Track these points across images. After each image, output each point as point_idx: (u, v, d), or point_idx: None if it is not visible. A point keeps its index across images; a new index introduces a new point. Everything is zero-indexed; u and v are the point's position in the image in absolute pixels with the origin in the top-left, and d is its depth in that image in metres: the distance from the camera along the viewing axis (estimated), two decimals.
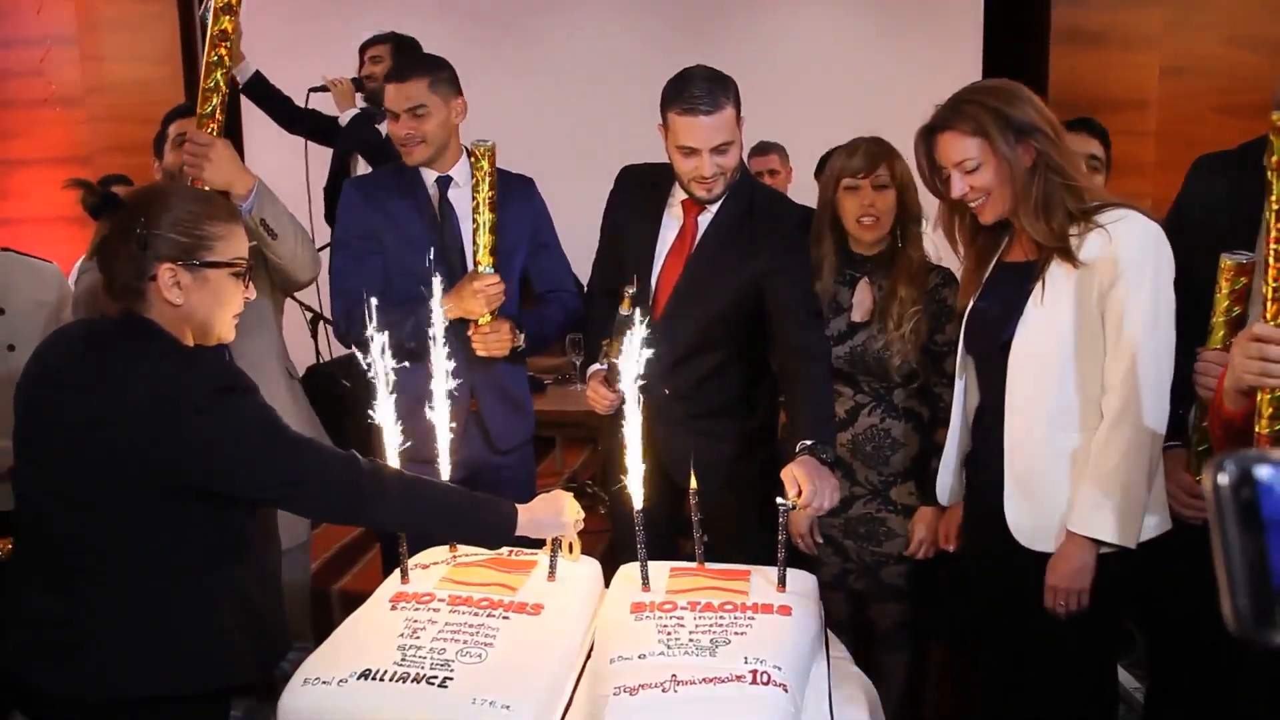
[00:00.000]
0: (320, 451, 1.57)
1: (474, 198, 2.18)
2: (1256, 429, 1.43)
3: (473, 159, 2.16)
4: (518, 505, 1.71)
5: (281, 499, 1.61)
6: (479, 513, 1.69)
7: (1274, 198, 1.33)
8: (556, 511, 1.75)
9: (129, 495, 1.45)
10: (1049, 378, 1.78)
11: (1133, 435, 1.71)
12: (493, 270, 2.21)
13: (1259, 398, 1.41)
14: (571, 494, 1.81)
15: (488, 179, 2.15)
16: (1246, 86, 3.49)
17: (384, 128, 3.68)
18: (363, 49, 3.89)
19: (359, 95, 3.91)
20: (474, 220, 2.20)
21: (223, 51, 2.03)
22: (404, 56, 2.33)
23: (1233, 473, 0.51)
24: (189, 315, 1.53)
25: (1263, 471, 0.51)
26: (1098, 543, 1.74)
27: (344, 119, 3.88)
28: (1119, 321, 1.71)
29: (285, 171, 3.81)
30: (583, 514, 1.80)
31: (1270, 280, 1.36)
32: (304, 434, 1.58)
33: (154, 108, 2.76)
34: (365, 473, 1.56)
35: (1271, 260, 1.35)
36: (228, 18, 2.03)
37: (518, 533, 1.70)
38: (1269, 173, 1.32)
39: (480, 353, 2.28)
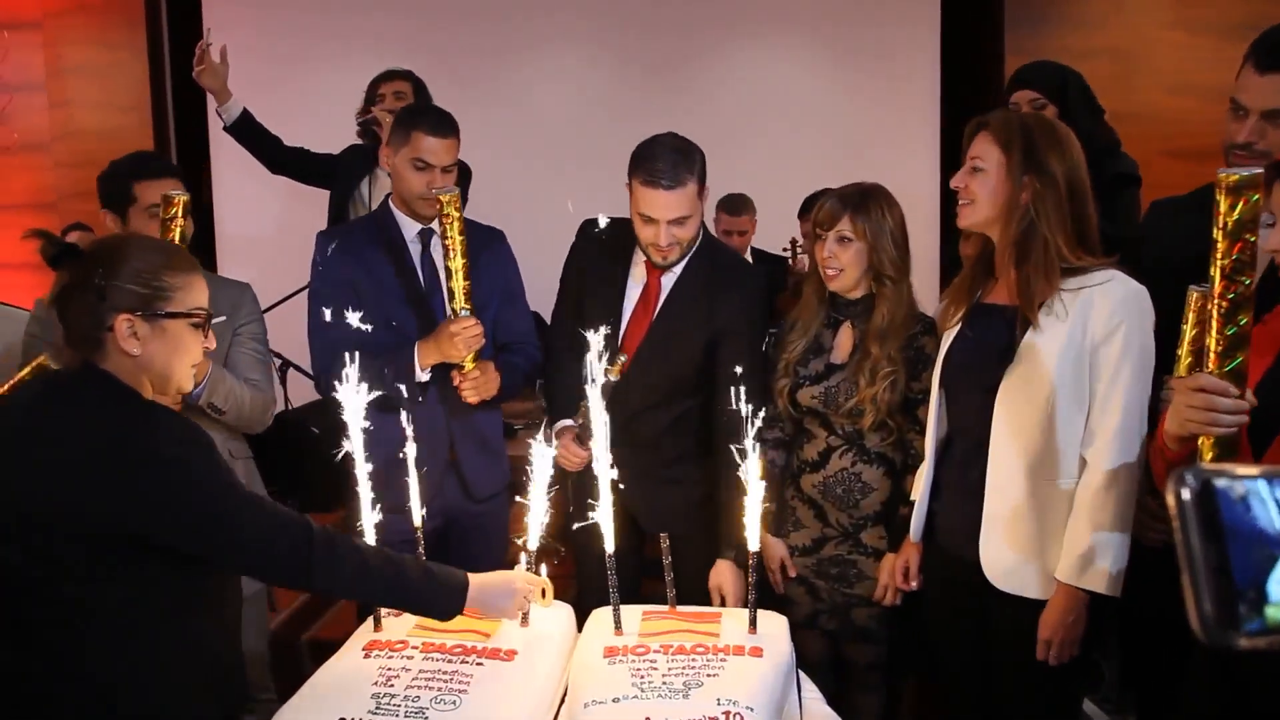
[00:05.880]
0: (275, 513, 1.53)
1: (444, 245, 2.21)
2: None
3: (439, 207, 2.19)
4: (470, 577, 1.67)
5: (228, 561, 1.55)
6: (428, 590, 1.63)
7: (1218, 254, 1.36)
8: (507, 595, 1.71)
9: (85, 545, 1.44)
10: (1033, 425, 1.81)
11: (1126, 491, 1.76)
12: (469, 313, 2.23)
13: (1201, 442, 1.45)
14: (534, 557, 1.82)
15: (455, 224, 2.19)
16: (1190, 131, 3.64)
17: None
18: (376, 84, 3.56)
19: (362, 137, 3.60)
20: (447, 267, 2.22)
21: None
22: (431, 106, 2.36)
23: (1194, 485, 0.54)
24: (146, 365, 1.52)
25: (1221, 483, 0.54)
26: (1087, 593, 1.78)
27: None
28: (1110, 379, 1.76)
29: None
30: (550, 587, 1.81)
31: (1214, 332, 1.39)
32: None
33: (122, 154, 2.76)
34: (318, 540, 1.52)
35: (1215, 314, 1.38)
36: (186, 219, 2.08)
37: (467, 606, 1.65)
38: (1215, 229, 1.35)
39: (470, 398, 2.27)
